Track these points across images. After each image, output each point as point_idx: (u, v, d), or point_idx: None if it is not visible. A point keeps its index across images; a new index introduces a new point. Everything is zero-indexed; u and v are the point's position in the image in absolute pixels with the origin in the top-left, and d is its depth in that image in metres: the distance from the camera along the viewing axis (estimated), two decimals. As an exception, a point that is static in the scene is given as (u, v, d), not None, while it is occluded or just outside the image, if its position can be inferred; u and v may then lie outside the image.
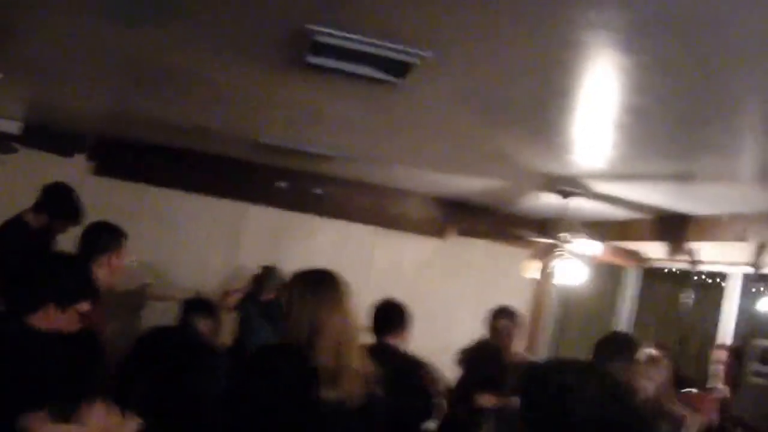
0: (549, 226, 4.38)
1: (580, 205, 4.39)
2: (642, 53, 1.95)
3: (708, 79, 2.08)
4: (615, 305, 5.53)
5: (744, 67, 1.93)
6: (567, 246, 4.26)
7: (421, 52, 2.19)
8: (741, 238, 3.95)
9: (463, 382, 2.97)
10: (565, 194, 4.11)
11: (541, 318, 5.97)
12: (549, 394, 1.04)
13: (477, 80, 2.51)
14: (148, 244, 5.14)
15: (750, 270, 4.08)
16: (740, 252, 4.08)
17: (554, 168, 3.76)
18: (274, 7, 2.08)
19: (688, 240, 4.31)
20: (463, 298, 5.69)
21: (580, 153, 3.37)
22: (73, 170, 5.00)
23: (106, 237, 2.82)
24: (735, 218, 4.02)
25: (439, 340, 4.65)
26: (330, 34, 2.15)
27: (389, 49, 2.19)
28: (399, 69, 2.33)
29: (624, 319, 5.17)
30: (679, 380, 3.90)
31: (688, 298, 4.28)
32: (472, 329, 4.19)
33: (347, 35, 2.15)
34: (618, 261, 4.45)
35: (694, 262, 4.13)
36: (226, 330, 5.14)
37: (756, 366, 3.36)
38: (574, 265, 4.29)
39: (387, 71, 2.37)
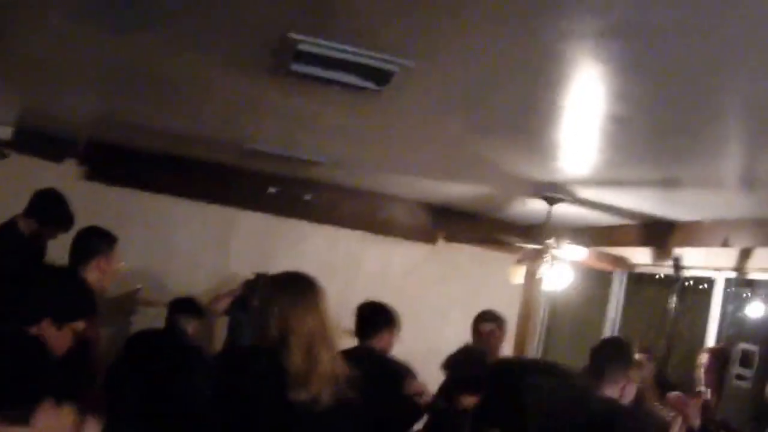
0: (535, 231, 4.43)
1: (566, 211, 4.44)
2: (622, 61, 1.98)
3: (689, 87, 2.12)
4: (603, 310, 5.57)
5: (724, 75, 1.96)
6: (553, 251, 4.30)
7: (401, 61, 2.24)
8: (724, 244, 4.00)
9: (446, 385, 3.00)
10: (551, 200, 4.15)
11: (529, 323, 6.01)
12: (508, 393, 1.07)
13: (459, 88, 2.55)
14: (138, 249, 5.16)
15: (733, 275, 4.13)
16: (724, 257, 4.13)
17: (539, 174, 3.81)
18: (257, 16, 2.12)
19: (673, 245, 4.36)
20: (453, 304, 5.72)
21: (564, 160, 3.42)
22: (64, 175, 5.03)
23: (96, 241, 2.85)
24: (718, 224, 4.07)
25: (429, 345, 4.67)
26: (312, 43, 2.20)
27: (370, 57, 2.23)
28: (381, 77, 2.37)
29: (611, 324, 5.21)
30: (663, 384, 3.94)
31: (672, 302, 4.33)
32: (462, 334, 4.22)
33: (329, 44, 2.20)
34: (603, 266, 4.50)
35: (678, 268, 4.18)
36: (218, 335, 5.18)
37: (738, 369, 3.40)
38: (560, 271, 4.33)
39: (369, 79, 2.41)
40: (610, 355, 2.80)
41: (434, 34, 2.05)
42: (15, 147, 4.79)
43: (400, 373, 3.05)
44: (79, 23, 2.44)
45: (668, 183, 3.54)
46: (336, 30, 2.12)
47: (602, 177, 3.63)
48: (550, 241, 4.25)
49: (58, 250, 3.47)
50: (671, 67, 1.97)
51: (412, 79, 2.42)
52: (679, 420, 3.25)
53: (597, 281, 5.57)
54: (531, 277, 4.71)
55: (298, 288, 2.23)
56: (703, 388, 3.59)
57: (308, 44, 2.20)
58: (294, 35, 2.16)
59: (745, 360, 3.36)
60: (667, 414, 3.44)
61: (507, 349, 5.75)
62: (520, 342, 6.04)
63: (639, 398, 3.08)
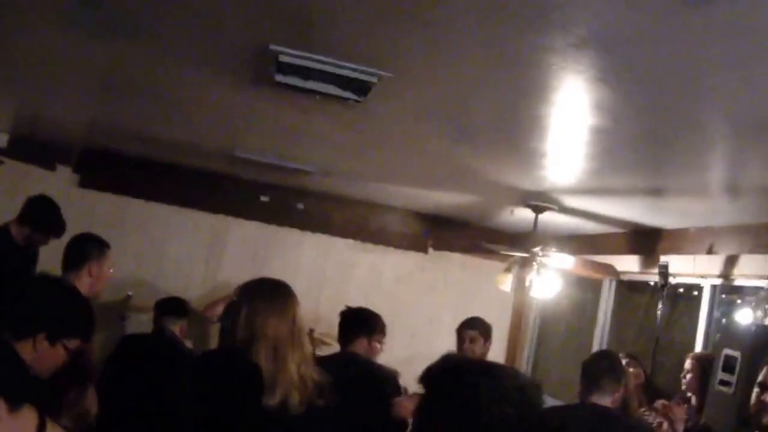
0: (523, 240, 4.47)
1: (554, 219, 4.48)
2: (601, 72, 2.01)
3: (668, 96, 2.14)
4: (594, 317, 5.60)
5: (703, 83, 1.99)
6: (540, 260, 4.34)
7: (379, 72, 2.29)
8: (710, 251, 4.04)
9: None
10: (537, 209, 4.20)
11: (521, 330, 6.04)
12: (449, 395, 1.09)
13: (438, 99, 2.60)
14: (132, 256, 5.21)
15: (720, 282, 4.16)
16: (710, 264, 4.16)
17: (525, 183, 3.84)
18: (238, 28, 2.18)
19: (659, 253, 4.40)
20: (444, 312, 5.76)
21: (549, 169, 3.45)
22: (58, 182, 5.08)
23: (89, 247, 2.89)
24: (704, 231, 4.11)
25: (420, 352, 4.71)
26: (292, 55, 2.25)
27: (348, 68, 2.28)
28: (360, 88, 2.42)
29: (601, 331, 5.24)
30: (651, 390, 3.97)
31: (658, 309, 4.36)
32: (453, 342, 4.25)
33: (308, 56, 2.25)
34: (590, 274, 4.53)
35: (664, 275, 4.21)
36: (214, 342, 5.20)
37: (721, 375, 3.42)
38: (548, 278, 4.37)
39: (349, 90, 2.45)
40: (604, 368, 2.87)
41: (410, 47, 2.10)
42: (9, 154, 4.84)
43: (383, 378, 3.06)
44: (69, 33, 2.49)
45: (653, 191, 3.58)
46: (315, 42, 2.18)
47: (587, 186, 3.67)
48: (537, 250, 4.29)
49: (51, 255, 3.51)
50: (649, 77, 2.00)
51: (391, 90, 2.47)
52: (665, 426, 3.28)
53: (587, 288, 5.60)
54: (521, 285, 4.74)
55: (265, 293, 2.27)
56: (688, 394, 3.62)
57: (289, 56, 2.26)
58: (275, 47, 2.22)
59: (729, 366, 3.38)
60: (653, 420, 3.47)
61: (497, 355, 5.80)
62: (512, 349, 6.07)
63: (624, 404, 3.12)
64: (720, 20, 1.56)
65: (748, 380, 3.20)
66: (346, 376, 2.39)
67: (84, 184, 5.28)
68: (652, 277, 4.58)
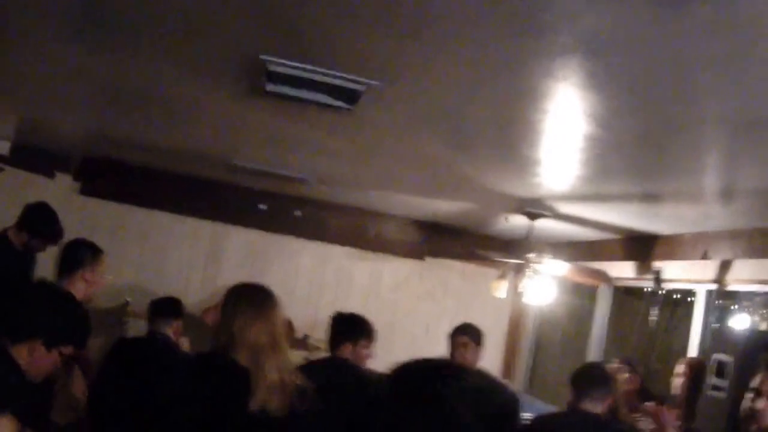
0: (517, 246, 4.50)
1: (549, 226, 4.50)
2: (594, 78, 2.02)
3: (661, 101, 2.15)
4: (593, 323, 5.61)
5: (692, 86, 1.99)
6: (535, 266, 4.36)
7: (367, 81, 2.32)
8: (704, 257, 4.05)
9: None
10: (532, 216, 4.22)
11: (518, 336, 6.06)
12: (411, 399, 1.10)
13: (427, 107, 2.63)
14: (132, 263, 5.27)
15: (715, 287, 4.17)
16: (704, 270, 4.17)
17: (519, 190, 3.86)
18: (228, 39, 2.22)
19: (654, 259, 4.41)
20: (442, 318, 5.77)
21: (543, 175, 3.46)
22: (59, 190, 5.14)
23: (82, 253, 2.94)
24: (698, 237, 4.12)
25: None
26: (281, 64, 2.29)
27: (336, 77, 2.32)
28: (349, 96, 2.46)
29: (597, 337, 5.25)
30: (645, 395, 3.98)
31: (654, 315, 4.37)
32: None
33: (297, 64, 2.29)
34: (584, 280, 4.55)
35: (658, 281, 4.23)
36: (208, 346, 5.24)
37: (713, 380, 3.44)
38: (543, 285, 4.39)
39: (339, 98, 2.50)
40: (593, 377, 3.00)
41: (398, 56, 2.14)
42: (11, 162, 4.90)
43: (368, 383, 3.08)
44: (69, 45, 2.55)
45: (647, 197, 3.58)
46: (303, 51, 2.22)
47: (582, 192, 3.68)
48: (531, 256, 4.31)
49: (49, 260, 3.55)
50: (638, 81, 2.01)
51: (381, 98, 2.51)
52: (656, 430, 3.30)
53: (585, 295, 5.61)
54: (518, 292, 4.77)
55: (247, 299, 2.30)
56: (679, 399, 3.64)
57: (278, 65, 2.30)
58: (265, 56, 2.26)
59: (721, 371, 3.40)
60: (646, 426, 3.49)
61: (495, 362, 5.81)
62: (509, 355, 6.08)
63: (613, 409, 3.15)
64: (701, 20, 1.57)
65: (740, 385, 3.22)
66: (332, 380, 2.41)
67: (85, 191, 5.34)
68: (648, 284, 4.60)
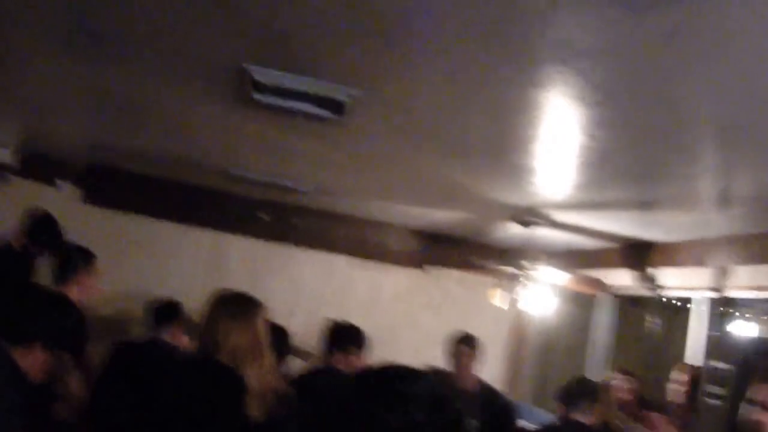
0: (513, 255, 4.50)
1: (546, 234, 4.50)
2: (587, 85, 2.01)
3: (651, 108, 2.15)
4: (594, 332, 5.59)
5: (678, 96, 2.00)
6: (532, 275, 4.36)
7: (350, 90, 2.35)
8: (701, 263, 4.03)
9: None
10: (527, 224, 4.22)
11: (521, 346, 6.04)
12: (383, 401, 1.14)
13: (419, 116, 2.64)
14: (134, 270, 5.32)
15: (713, 294, 4.15)
16: (702, 277, 4.15)
17: (513, 199, 3.86)
18: (212, 49, 2.27)
19: (651, 267, 4.40)
20: (444, 329, 5.76)
21: (537, 184, 3.46)
22: (62, 198, 5.20)
23: (77, 258, 3.00)
24: (695, 244, 4.10)
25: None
26: (266, 73, 2.33)
27: (322, 87, 2.36)
28: (336, 106, 2.49)
29: (599, 345, 5.23)
30: (645, 404, 3.97)
31: (654, 323, 4.35)
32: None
33: (281, 74, 2.33)
34: (579, 288, 4.55)
35: (656, 289, 4.22)
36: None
37: (711, 388, 3.41)
38: (540, 294, 4.39)
39: (325, 108, 2.53)
40: (579, 391, 3.16)
41: (381, 65, 2.17)
42: (16, 171, 4.98)
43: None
44: (61, 58, 2.62)
45: (643, 204, 3.56)
46: (287, 61, 2.26)
47: (577, 200, 3.68)
48: (526, 264, 4.32)
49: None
50: (636, 89, 2.01)
51: (367, 108, 2.54)
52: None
53: (589, 304, 5.59)
54: (516, 301, 4.75)
55: (228, 305, 2.33)
56: (677, 407, 3.62)
57: (263, 74, 2.34)
58: (248, 66, 2.30)
59: (719, 379, 3.38)
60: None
61: (497, 371, 5.79)
62: (512, 365, 6.06)
63: (605, 420, 3.17)
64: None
65: (739, 394, 3.19)
66: (325, 390, 2.43)
67: (87, 200, 5.41)
68: (643, 292, 4.58)
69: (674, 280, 4.39)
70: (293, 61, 2.25)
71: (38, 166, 5.13)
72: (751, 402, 2.70)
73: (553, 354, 6.06)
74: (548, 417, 4.38)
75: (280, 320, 3.89)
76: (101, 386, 3.22)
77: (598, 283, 4.40)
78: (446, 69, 2.10)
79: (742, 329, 4.00)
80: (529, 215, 4.15)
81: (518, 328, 6.02)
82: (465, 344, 4.04)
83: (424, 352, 5.71)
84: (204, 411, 2.10)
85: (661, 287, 4.31)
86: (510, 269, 4.48)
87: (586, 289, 4.53)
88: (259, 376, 2.18)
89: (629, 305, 5.25)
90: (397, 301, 5.89)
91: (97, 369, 3.46)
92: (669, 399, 3.69)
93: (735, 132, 2.26)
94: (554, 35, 1.72)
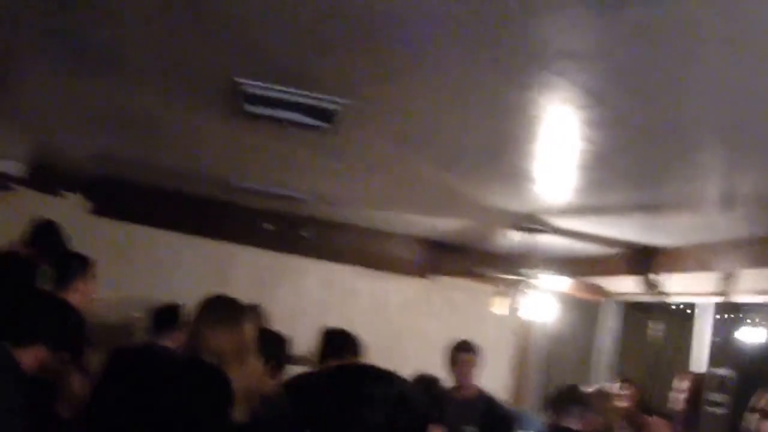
0: (516, 263, 4.48)
1: (550, 241, 4.47)
2: (590, 85, 1.97)
3: (660, 108, 2.10)
4: (599, 340, 5.54)
5: (695, 95, 1.95)
6: (534, 282, 4.34)
7: (338, 99, 2.38)
8: (706, 268, 3.98)
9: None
10: (529, 231, 4.21)
11: (527, 354, 6.00)
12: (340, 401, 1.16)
13: (406, 124, 2.66)
14: (140, 281, 5.37)
15: (718, 299, 4.10)
16: (707, 282, 4.10)
17: (513, 205, 3.85)
18: (202, 62, 2.31)
19: (656, 272, 4.35)
20: (448, 337, 5.74)
21: (538, 190, 3.43)
22: (70, 210, 5.28)
23: (73, 266, 3.04)
24: (700, 248, 4.04)
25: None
26: (255, 85, 2.36)
27: (309, 97, 2.38)
28: (325, 115, 2.51)
29: (604, 353, 5.19)
30: (646, 410, 3.93)
31: (659, 330, 4.31)
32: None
33: (270, 85, 2.36)
34: (585, 296, 4.52)
35: (661, 294, 4.18)
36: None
37: (713, 396, 3.37)
38: (543, 301, 4.37)
39: (315, 118, 2.55)
40: (568, 398, 3.16)
41: (364, 74, 2.19)
42: (25, 182, 5.05)
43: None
44: (61, 75, 2.69)
45: (647, 208, 3.50)
46: (274, 72, 2.29)
47: (578, 205, 3.64)
48: (529, 272, 4.30)
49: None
50: (640, 89, 1.97)
51: (358, 117, 2.56)
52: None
53: (594, 310, 5.55)
54: (518, 308, 4.72)
55: (214, 309, 2.36)
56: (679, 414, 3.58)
57: (251, 86, 2.37)
58: (238, 78, 2.33)
59: (721, 386, 3.33)
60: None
61: (503, 379, 5.76)
62: (519, 372, 6.02)
63: (607, 427, 3.15)
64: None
65: (741, 401, 3.15)
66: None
67: (95, 211, 5.48)
68: (647, 298, 4.54)
69: (679, 286, 4.35)
70: (281, 72, 2.28)
71: (46, 177, 5.21)
72: (754, 410, 2.67)
73: (558, 362, 6.02)
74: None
75: (284, 329, 3.90)
76: (96, 390, 3.25)
77: (600, 290, 4.37)
78: (432, 76, 2.11)
79: (748, 335, 3.93)
80: (529, 222, 4.13)
81: (523, 336, 5.99)
82: (465, 351, 4.02)
83: (429, 360, 5.70)
84: (188, 412, 2.13)
85: (665, 293, 4.27)
86: (513, 277, 4.46)
87: (587, 296, 4.50)
88: (243, 379, 2.20)
89: (635, 312, 5.20)
90: (401, 310, 5.89)
91: (96, 374, 3.49)
92: (672, 407, 3.65)
93: (736, 131, 2.20)
94: (536, 39, 1.71)
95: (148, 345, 3.66)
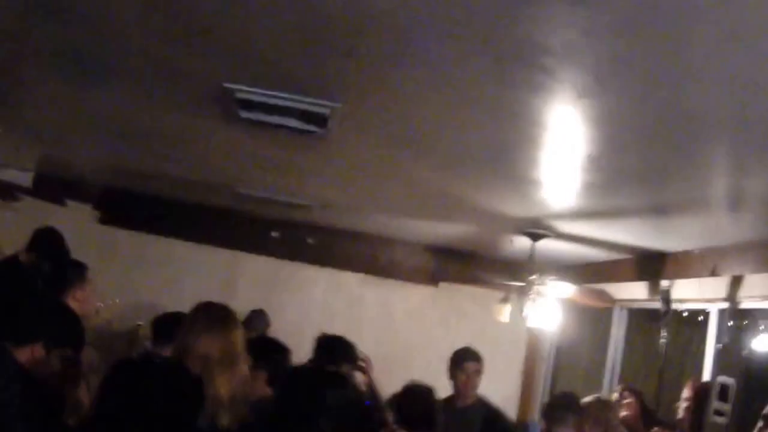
0: (522, 269, 4.45)
1: (556, 247, 4.44)
2: (594, 86, 1.92)
3: (668, 109, 2.05)
4: (607, 347, 5.47)
5: (703, 95, 1.89)
6: (542, 289, 4.30)
7: (329, 103, 2.38)
8: (713, 273, 3.91)
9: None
10: (534, 237, 4.18)
11: (537, 362, 5.95)
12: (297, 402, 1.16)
13: (399, 126, 2.65)
14: (148, 290, 5.43)
15: (727, 305, 4.03)
16: (716, 287, 4.04)
17: (517, 210, 3.82)
18: (193, 68, 2.32)
19: (663, 278, 4.29)
20: (457, 345, 5.70)
21: (541, 194, 3.38)
22: (79, 219, 5.35)
23: (69, 274, 3.07)
24: (706, 252, 3.98)
25: (434, 385, 4.66)
26: (246, 90, 2.37)
27: (300, 101, 2.39)
28: (317, 120, 2.52)
29: (612, 361, 5.12)
30: (649, 419, 3.87)
31: (663, 337, 4.25)
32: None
33: (261, 90, 2.37)
34: (591, 303, 4.47)
35: (666, 301, 4.12)
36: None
37: (716, 404, 3.30)
38: (547, 308, 4.32)
39: (309, 122, 2.56)
40: (562, 406, 3.17)
41: (355, 77, 2.19)
42: (33, 192, 5.13)
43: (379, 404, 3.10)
44: (62, 85, 2.74)
45: (654, 210, 3.42)
46: (264, 77, 2.30)
47: (583, 209, 3.57)
48: (533, 278, 4.26)
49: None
50: (652, 93, 1.93)
51: (349, 120, 2.56)
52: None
53: (602, 317, 5.49)
54: (523, 316, 4.68)
55: (204, 315, 2.37)
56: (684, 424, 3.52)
57: (243, 92, 2.38)
58: (228, 84, 2.34)
59: (724, 394, 3.26)
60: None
61: (513, 387, 5.70)
62: (527, 381, 5.97)
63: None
64: (728, 24, 1.47)
65: (742, 409, 3.09)
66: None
67: (104, 221, 5.55)
68: (660, 304, 4.46)
69: (689, 292, 4.28)
70: (272, 78, 2.29)
71: (54, 187, 5.29)
72: (765, 418, 2.61)
73: (569, 370, 5.95)
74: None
75: (291, 337, 3.91)
76: (97, 403, 3.27)
77: (607, 296, 4.32)
78: (428, 79, 2.09)
79: (757, 342, 3.84)
80: (535, 227, 4.10)
81: (533, 343, 5.94)
82: (471, 360, 3.97)
83: (437, 368, 5.67)
84: (162, 418, 2.14)
85: (675, 300, 4.21)
86: (520, 284, 4.42)
87: (594, 303, 4.45)
88: (229, 385, 2.21)
89: (645, 319, 5.13)
90: (408, 318, 5.87)
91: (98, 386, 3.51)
92: (677, 416, 3.58)
93: (744, 129, 2.12)
94: (532, 37, 1.67)
95: (148, 356, 3.68)
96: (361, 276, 5.83)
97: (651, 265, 4.42)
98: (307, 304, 5.73)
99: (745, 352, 3.68)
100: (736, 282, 3.89)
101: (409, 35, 1.79)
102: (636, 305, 4.94)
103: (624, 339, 5.18)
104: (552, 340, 5.84)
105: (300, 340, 4.09)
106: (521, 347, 5.93)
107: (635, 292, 4.69)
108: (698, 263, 4.07)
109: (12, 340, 2.24)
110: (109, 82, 2.59)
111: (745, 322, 4.03)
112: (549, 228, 4.09)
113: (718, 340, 3.96)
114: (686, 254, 4.16)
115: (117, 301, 3.29)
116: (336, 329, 5.56)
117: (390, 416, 3.13)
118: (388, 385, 3.57)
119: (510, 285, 4.64)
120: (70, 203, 5.51)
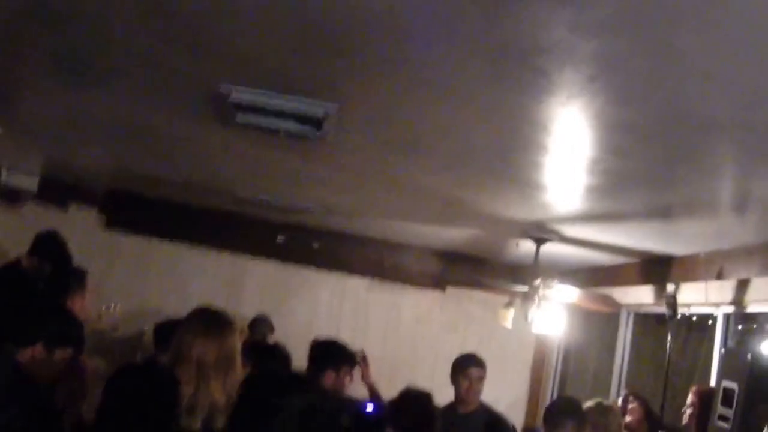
0: (527, 273, 4.42)
1: (561, 251, 4.41)
2: (601, 89, 1.90)
3: (674, 112, 2.03)
4: (615, 352, 5.42)
5: (710, 99, 1.87)
6: (547, 294, 4.27)
7: (326, 106, 2.38)
8: (719, 276, 3.87)
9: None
10: (538, 241, 4.15)
11: (545, 367, 5.91)
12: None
13: (396, 129, 2.65)
14: (154, 294, 5.46)
15: (733, 309, 3.99)
16: (722, 291, 4.00)
17: (521, 214, 3.80)
18: (187, 70, 2.33)
19: (670, 282, 4.25)
20: (465, 350, 5.67)
21: (545, 197, 3.35)
22: (84, 223, 5.39)
23: (71, 279, 3.10)
24: (712, 256, 3.94)
25: (440, 393, 4.64)
26: (240, 92, 2.38)
27: (296, 104, 2.39)
28: (313, 122, 2.52)
29: (619, 367, 5.07)
30: (654, 424, 3.83)
31: (669, 342, 4.20)
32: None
33: (257, 92, 2.37)
34: (595, 307, 4.43)
35: (672, 305, 4.08)
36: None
37: (720, 410, 3.24)
38: (552, 313, 4.30)
39: (305, 124, 2.56)
40: (561, 410, 3.15)
41: (350, 79, 2.19)
42: (38, 196, 5.18)
43: (341, 408, 3.08)
44: (60, 87, 2.77)
45: (659, 214, 3.38)
46: (259, 79, 2.30)
47: (588, 212, 3.53)
48: (537, 282, 4.24)
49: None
50: (655, 94, 1.90)
51: (345, 122, 2.56)
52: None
53: (609, 322, 5.45)
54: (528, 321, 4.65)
55: (199, 320, 2.39)
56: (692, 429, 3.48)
57: (240, 96, 2.39)
58: (225, 88, 2.36)
59: (728, 399, 3.21)
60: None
61: (521, 392, 5.66)
62: (535, 386, 5.93)
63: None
64: (738, 26, 1.44)
65: (746, 415, 3.04)
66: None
67: (109, 224, 5.58)
68: (666, 308, 4.42)
69: (695, 296, 4.24)
70: (268, 81, 2.30)
71: (59, 191, 5.34)
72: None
73: (578, 374, 5.90)
74: None
75: (297, 341, 3.92)
76: (98, 409, 3.29)
77: (612, 301, 4.28)
78: (420, 81, 2.09)
79: (762, 346, 3.79)
80: (539, 231, 4.08)
81: (541, 349, 5.90)
82: (476, 366, 3.94)
83: (444, 374, 5.65)
84: (157, 422, 2.16)
85: (682, 304, 4.17)
86: (525, 288, 4.40)
87: (598, 307, 4.42)
88: (223, 389, 2.22)
89: (653, 323, 5.08)
90: (415, 322, 5.86)
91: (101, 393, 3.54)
92: (683, 422, 3.54)
93: (750, 131, 2.08)
94: (523, 36, 1.66)
95: (149, 362, 3.70)
96: (367, 281, 5.83)
97: (657, 269, 4.38)
98: (313, 308, 5.74)
99: (749, 357, 3.63)
100: (742, 285, 3.85)
101: (405, 37, 1.79)
102: (642, 310, 4.90)
103: (632, 343, 5.14)
104: (560, 344, 5.79)
105: (306, 345, 4.10)
106: (529, 352, 5.89)
107: (641, 296, 4.65)
108: (704, 267, 4.03)
109: (13, 341, 2.31)
110: (106, 84, 2.61)
111: (755, 326, 3.99)
112: (553, 232, 4.07)
113: (724, 344, 3.91)
114: (692, 258, 4.12)
115: (119, 306, 3.29)
116: (342, 334, 5.58)
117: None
118: (395, 391, 3.56)
119: (515, 289, 4.61)
120: (75, 207, 5.55)
